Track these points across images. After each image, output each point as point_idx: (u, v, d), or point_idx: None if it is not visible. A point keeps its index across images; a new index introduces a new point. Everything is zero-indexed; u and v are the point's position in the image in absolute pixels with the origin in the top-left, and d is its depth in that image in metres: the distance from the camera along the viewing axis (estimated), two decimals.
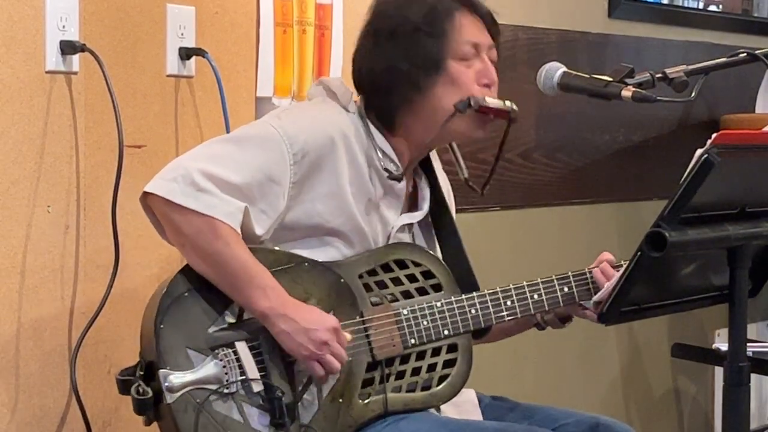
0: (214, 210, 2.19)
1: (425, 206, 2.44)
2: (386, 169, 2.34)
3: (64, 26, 2.41)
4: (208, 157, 2.24)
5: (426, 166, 2.47)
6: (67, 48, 2.42)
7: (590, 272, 2.42)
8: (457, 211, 2.59)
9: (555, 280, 2.41)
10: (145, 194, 2.24)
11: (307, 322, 2.19)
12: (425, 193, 2.45)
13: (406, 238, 2.41)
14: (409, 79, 2.32)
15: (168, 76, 2.61)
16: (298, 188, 2.27)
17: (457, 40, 2.33)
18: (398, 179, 2.35)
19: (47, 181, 2.42)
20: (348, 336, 2.24)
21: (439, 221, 2.47)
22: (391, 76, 2.33)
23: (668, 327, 4.02)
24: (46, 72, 2.40)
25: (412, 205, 2.45)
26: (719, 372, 3.46)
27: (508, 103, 2.35)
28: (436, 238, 2.47)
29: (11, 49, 2.34)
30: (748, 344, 2.07)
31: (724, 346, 2.15)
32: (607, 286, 2.35)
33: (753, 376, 2.12)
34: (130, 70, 2.54)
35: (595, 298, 2.37)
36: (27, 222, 2.39)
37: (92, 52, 2.42)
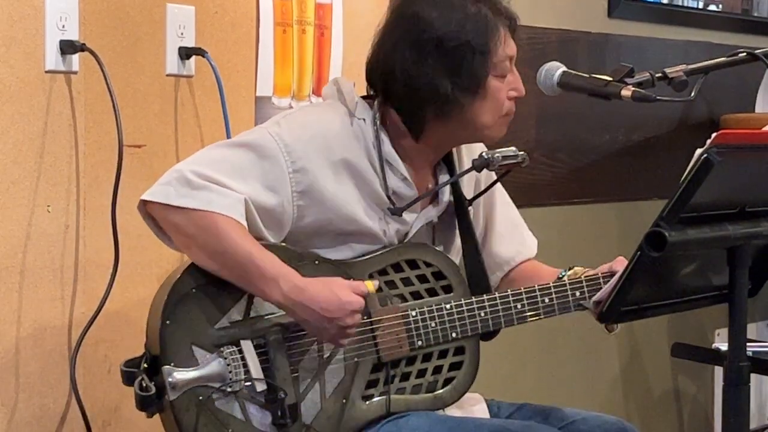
0: (213, 204, 2.16)
1: (444, 200, 2.40)
2: (389, 197, 2.30)
3: (63, 26, 2.41)
4: (205, 161, 2.22)
5: (448, 161, 2.43)
6: (67, 48, 2.42)
7: (603, 277, 2.37)
8: None
9: (567, 285, 2.37)
10: (144, 203, 2.22)
11: (325, 309, 2.16)
12: (445, 187, 2.40)
13: (424, 237, 2.38)
14: (451, 97, 2.27)
15: (168, 75, 2.61)
16: (307, 198, 2.24)
17: (499, 55, 2.30)
18: (398, 213, 2.32)
19: (47, 180, 2.42)
20: (370, 285, 2.22)
21: (459, 216, 2.43)
22: (432, 93, 2.27)
23: (668, 327, 4.02)
24: (46, 72, 2.40)
25: (433, 199, 2.41)
26: (719, 372, 3.45)
27: (522, 154, 2.35)
28: (458, 233, 2.43)
29: (11, 49, 2.34)
30: (748, 344, 2.06)
31: (724, 346, 2.14)
32: (607, 286, 2.35)
33: (753, 376, 2.12)
34: (130, 69, 2.54)
35: (595, 297, 2.36)
36: (27, 222, 2.39)
37: (92, 52, 2.42)
